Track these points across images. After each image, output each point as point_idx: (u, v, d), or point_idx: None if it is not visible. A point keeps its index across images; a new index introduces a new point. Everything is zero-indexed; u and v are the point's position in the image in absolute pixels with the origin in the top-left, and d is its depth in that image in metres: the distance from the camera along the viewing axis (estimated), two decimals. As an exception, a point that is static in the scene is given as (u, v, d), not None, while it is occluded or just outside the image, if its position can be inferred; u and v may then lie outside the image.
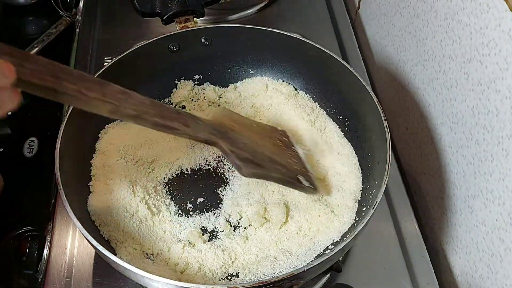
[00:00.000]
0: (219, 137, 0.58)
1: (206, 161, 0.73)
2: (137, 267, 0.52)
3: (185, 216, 0.68)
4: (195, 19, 0.77)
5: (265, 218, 0.66)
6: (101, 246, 0.54)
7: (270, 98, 0.78)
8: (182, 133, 0.55)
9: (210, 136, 0.57)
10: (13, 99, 0.40)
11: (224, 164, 0.73)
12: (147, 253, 0.63)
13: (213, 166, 0.73)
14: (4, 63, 0.39)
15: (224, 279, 0.62)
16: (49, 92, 0.43)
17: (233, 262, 0.63)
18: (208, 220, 0.67)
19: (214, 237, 0.66)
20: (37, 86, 0.42)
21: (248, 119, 0.69)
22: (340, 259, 0.68)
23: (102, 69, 0.70)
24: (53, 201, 0.74)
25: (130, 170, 0.69)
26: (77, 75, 0.45)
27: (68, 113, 0.65)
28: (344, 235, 0.63)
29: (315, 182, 0.66)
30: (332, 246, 0.62)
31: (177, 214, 0.67)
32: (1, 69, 0.39)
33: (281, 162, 0.64)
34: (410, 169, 0.83)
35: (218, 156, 0.74)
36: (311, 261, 0.53)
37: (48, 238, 0.70)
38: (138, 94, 0.50)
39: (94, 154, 0.70)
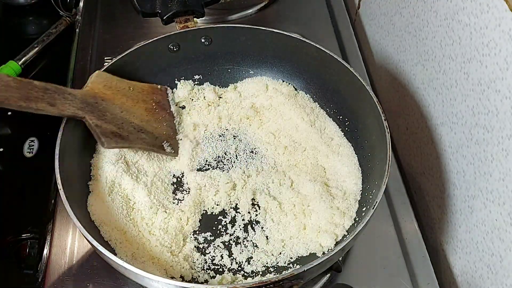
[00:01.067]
0: (87, 110, 0.61)
1: (206, 161, 0.73)
2: (137, 267, 0.52)
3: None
4: (195, 19, 0.77)
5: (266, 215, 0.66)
6: (101, 246, 0.54)
7: (270, 98, 0.78)
8: (48, 112, 0.58)
9: (77, 111, 0.61)
10: None
11: (224, 164, 0.73)
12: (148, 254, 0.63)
13: (213, 166, 0.73)
14: None
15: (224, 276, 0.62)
16: None
17: (233, 259, 0.63)
18: (210, 219, 0.68)
19: (215, 235, 0.66)
20: None
21: (124, 82, 0.70)
22: (340, 259, 0.68)
23: (102, 69, 0.70)
24: (53, 201, 0.74)
25: (129, 170, 0.69)
26: None
27: (68, 113, 0.65)
28: (344, 235, 0.63)
29: (177, 147, 0.71)
30: (333, 246, 0.62)
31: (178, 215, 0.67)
32: None
33: (148, 129, 0.68)
34: (410, 169, 0.83)
35: (218, 157, 0.74)
36: (312, 261, 0.53)
37: (48, 238, 0.70)
38: (5, 76, 0.52)
39: (94, 154, 0.70)
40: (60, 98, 0.58)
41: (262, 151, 0.74)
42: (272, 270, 0.62)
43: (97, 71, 0.68)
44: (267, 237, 0.65)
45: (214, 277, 0.62)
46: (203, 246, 0.65)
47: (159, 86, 0.75)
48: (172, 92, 0.78)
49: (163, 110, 0.73)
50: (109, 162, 0.67)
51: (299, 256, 0.63)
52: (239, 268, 0.63)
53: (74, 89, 0.64)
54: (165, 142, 0.70)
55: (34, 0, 1.04)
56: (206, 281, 0.61)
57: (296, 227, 0.65)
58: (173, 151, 0.70)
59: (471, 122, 0.63)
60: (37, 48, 0.94)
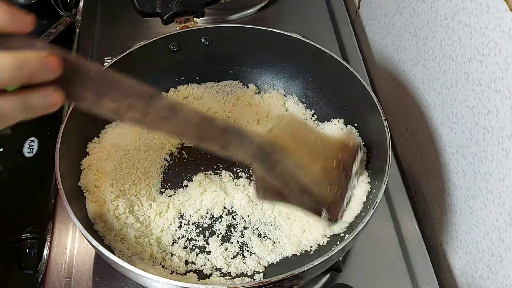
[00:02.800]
0: (259, 159, 0.52)
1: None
2: (137, 267, 0.52)
3: (181, 218, 0.68)
4: (195, 19, 0.77)
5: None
6: (101, 246, 0.54)
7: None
8: (216, 153, 0.50)
9: (248, 157, 0.52)
10: (52, 101, 0.38)
11: (223, 168, 0.73)
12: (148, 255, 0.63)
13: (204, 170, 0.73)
14: (50, 55, 0.36)
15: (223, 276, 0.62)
16: (88, 104, 0.41)
17: (233, 259, 0.63)
18: (207, 220, 0.68)
19: (213, 235, 0.66)
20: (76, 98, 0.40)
21: (315, 134, 0.60)
22: (340, 259, 0.68)
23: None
24: (53, 201, 0.74)
25: (123, 172, 0.69)
26: (123, 90, 0.41)
27: (68, 113, 0.65)
28: (344, 235, 0.63)
29: (337, 214, 0.59)
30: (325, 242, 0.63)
31: (172, 217, 0.68)
32: (45, 61, 0.36)
33: (314, 192, 0.57)
34: (410, 169, 0.83)
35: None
36: (312, 260, 0.53)
37: (48, 238, 0.70)
38: (188, 109, 0.46)
39: (87, 156, 0.69)
40: (235, 142, 0.49)
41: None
42: (264, 270, 0.63)
43: (292, 116, 0.61)
44: (259, 235, 0.66)
45: (210, 275, 0.62)
46: (199, 246, 0.65)
47: (351, 143, 0.61)
48: (361, 151, 0.63)
49: (342, 172, 0.60)
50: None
51: (292, 254, 0.64)
52: (232, 268, 0.63)
53: (255, 131, 0.56)
54: (324, 209, 0.58)
55: (34, 0, 1.04)
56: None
57: (297, 226, 0.65)
58: (328, 218, 0.58)
59: (471, 122, 0.63)
60: (37, 48, 0.94)
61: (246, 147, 0.51)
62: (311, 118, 0.77)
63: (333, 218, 0.58)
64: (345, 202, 0.59)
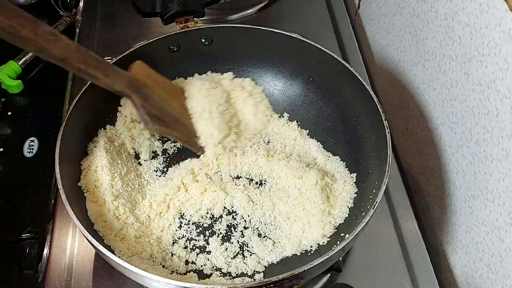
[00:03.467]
0: (134, 90, 0.63)
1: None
2: (137, 267, 0.52)
3: (181, 217, 0.68)
4: (195, 19, 0.77)
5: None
6: (101, 246, 0.54)
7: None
8: (101, 82, 0.60)
9: (125, 88, 0.63)
10: None
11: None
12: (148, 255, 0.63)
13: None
14: None
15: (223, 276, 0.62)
16: None
17: (234, 259, 0.63)
18: (207, 220, 0.68)
19: (213, 235, 0.66)
20: None
21: (160, 77, 0.71)
22: (341, 259, 0.68)
23: None
24: (53, 201, 0.74)
25: (120, 172, 0.69)
26: (12, 10, 0.48)
27: (68, 113, 0.65)
28: (344, 235, 0.63)
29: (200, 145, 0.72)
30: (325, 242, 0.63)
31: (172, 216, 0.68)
32: None
33: (183, 122, 0.70)
34: (410, 169, 0.83)
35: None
36: (312, 260, 0.53)
37: (48, 238, 0.70)
38: (66, 38, 0.54)
39: (87, 156, 0.69)
40: (111, 71, 0.60)
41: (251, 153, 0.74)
42: (264, 270, 0.63)
43: (138, 61, 0.69)
44: (259, 235, 0.66)
45: (210, 275, 0.62)
46: (199, 246, 0.65)
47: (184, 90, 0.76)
48: None
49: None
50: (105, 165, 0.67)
51: (292, 254, 0.64)
52: (232, 267, 0.63)
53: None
54: (195, 137, 0.71)
55: (34, 0, 1.04)
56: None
57: (288, 226, 0.66)
58: (202, 148, 0.72)
59: (471, 122, 0.63)
60: (37, 48, 0.94)
61: (121, 78, 0.62)
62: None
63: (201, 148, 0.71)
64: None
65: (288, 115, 0.78)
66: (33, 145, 0.81)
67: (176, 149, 0.75)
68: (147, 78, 0.68)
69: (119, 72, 0.62)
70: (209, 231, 0.67)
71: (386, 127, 0.63)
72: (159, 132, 0.69)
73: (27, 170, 0.79)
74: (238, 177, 0.72)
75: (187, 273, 0.62)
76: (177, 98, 0.72)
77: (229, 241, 0.66)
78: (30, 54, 0.92)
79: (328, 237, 0.64)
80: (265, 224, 0.67)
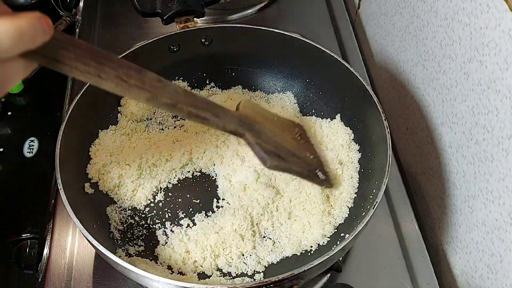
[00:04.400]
0: (246, 128, 0.59)
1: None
2: (137, 267, 0.52)
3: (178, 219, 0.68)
4: (195, 19, 0.77)
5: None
6: (101, 246, 0.54)
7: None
8: (213, 124, 0.55)
9: (238, 127, 0.58)
10: (24, 68, 0.38)
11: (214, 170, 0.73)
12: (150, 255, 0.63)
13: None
14: (43, 16, 0.36)
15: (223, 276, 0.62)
16: (91, 77, 0.43)
17: (230, 252, 0.64)
18: (203, 217, 0.68)
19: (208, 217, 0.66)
20: (81, 71, 0.41)
21: (269, 112, 0.69)
22: (341, 259, 0.68)
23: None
24: (53, 201, 0.74)
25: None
26: (116, 61, 0.45)
27: (68, 113, 0.65)
28: (344, 235, 0.63)
29: (330, 177, 0.68)
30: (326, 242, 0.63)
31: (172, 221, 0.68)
32: (40, 23, 0.35)
33: (300, 156, 0.65)
34: (410, 169, 0.83)
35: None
36: (312, 260, 0.53)
37: (48, 238, 0.70)
38: (172, 83, 0.50)
39: (90, 161, 0.69)
40: (221, 111, 0.55)
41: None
42: (264, 270, 0.63)
43: (244, 99, 0.67)
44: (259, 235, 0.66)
45: (210, 275, 0.62)
46: (197, 245, 0.65)
47: (295, 122, 0.73)
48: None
49: (306, 142, 0.71)
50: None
51: (292, 254, 0.64)
52: (232, 268, 0.63)
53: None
54: (317, 170, 0.67)
55: (34, 0, 1.04)
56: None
57: (288, 226, 0.66)
58: (326, 179, 0.67)
59: (471, 122, 0.63)
60: (37, 48, 0.94)
61: (231, 117, 0.57)
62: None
63: (330, 180, 0.67)
64: (327, 167, 0.69)
65: (288, 115, 0.78)
66: (33, 145, 0.81)
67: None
68: (256, 115, 0.64)
69: (228, 111, 0.57)
70: (204, 231, 0.67)
71: (386, 127, 0.63)
72: (278, 169, 0.62)
73: (27, 170, 0.79)
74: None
75: (187, 274, 0.62)
76: (289, 131, 0.69)
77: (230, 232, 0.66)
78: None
79: (328, 237, 0.64)
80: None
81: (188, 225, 0.67)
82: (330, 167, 0.70)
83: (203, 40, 0.77)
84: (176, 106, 0.50)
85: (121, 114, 0.75)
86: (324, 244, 0.64)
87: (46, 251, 0.69)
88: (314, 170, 0.66)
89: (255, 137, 0.59)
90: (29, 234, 0.71)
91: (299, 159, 0.65)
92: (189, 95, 0.52)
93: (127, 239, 0.65)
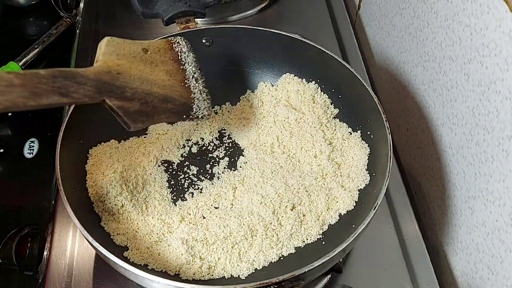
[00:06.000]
0: (104, 91, 0.54)
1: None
2: (137, 268, 0.52)
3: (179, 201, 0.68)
4: (196, 19, 0.77)
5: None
6: (101, 247, 0.54)
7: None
8: (61, 105, 0.51)
9: (94, 94, 0.53)
10: None
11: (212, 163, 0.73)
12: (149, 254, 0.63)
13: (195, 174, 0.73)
14: None
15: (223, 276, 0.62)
16: None
17: (232, 252, 0.63)
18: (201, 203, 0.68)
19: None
20: None
21: (138, 44, 0.62)
22: (341, 260, 0.68)
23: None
24: (53, 201, 0.74)
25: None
26: None
27: (69, 114, 0.65)
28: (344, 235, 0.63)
29: (209, 107, 0.65)
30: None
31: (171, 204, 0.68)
32: None
33: (173, 96, 0.61)
34: (410, 170, 0.83)
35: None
36: (312, 261, 0.53)
37: (48, 239, 0.70)
38: (5, 73, 0.45)
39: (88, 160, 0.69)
40: (71, 84, 0.50)
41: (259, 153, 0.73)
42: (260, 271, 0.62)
43: (106, 38, 0.60)
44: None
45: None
46: (197, 244, 0.65)
47: (174, 39, 0.66)
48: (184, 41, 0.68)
49: (184, 64, 0.65)
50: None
51: (292, 254, 0.63)
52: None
53: (85, 68, 0.55)
54: (194, 104, 0.63)
55: (34, 1, 1.04)
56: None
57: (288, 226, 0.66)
58: (206, 114, 0.64)
59: (471, 123, 0.63)
60: (37, 49, 0.94)
61: (86, 85, 0.52)
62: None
63: (209, 111, 0.64)
64: (204, 95, 0.65)
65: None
66: (33, 146, 0.81)
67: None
68: (119, 59, 0.58)
69: (81, 78, 0.52)
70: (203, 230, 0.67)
71: (387, 128, 0.63)
72: (145, 126, 0.60)
73: (27, 171, 0.79)
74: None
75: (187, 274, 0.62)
76: (164, 62, 0.62)
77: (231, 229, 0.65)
78: (31, 55, 0.92)
79: (328, 237, 0.64)
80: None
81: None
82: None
83: (203, 41, 0.78)
84: (10, 108, 0.45)
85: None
86: (324, 243, 0.63)
87: (46, 252, 0.69)
88: (190, 106, 0.62)
89: (116, 98, 0.55)
90: (29, 235, 0.71)
91: (171, 102, 0.61)
92: (28, 82, 0.46)
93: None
